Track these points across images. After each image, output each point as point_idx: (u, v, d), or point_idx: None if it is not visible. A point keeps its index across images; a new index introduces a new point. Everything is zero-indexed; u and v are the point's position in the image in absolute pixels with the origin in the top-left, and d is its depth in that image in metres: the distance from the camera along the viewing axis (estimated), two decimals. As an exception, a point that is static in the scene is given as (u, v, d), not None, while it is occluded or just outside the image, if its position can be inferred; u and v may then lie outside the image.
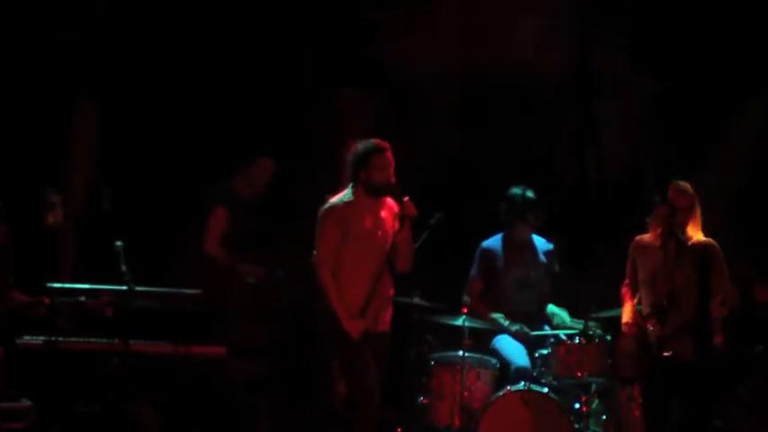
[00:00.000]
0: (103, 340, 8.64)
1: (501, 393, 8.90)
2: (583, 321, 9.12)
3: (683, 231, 8.25)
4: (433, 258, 8.86)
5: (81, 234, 10.10)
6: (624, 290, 8.55)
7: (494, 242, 9.56)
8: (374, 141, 8.22)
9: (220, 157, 10.03)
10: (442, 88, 10.59)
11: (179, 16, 10.32)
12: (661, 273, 8.20)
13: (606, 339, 9.01)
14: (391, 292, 8.37)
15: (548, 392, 8.92)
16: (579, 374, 9.03)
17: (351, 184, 8.26)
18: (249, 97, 10.46)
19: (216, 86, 10.37)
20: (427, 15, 10.55)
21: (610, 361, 8.99)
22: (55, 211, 8.91)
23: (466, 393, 9.01)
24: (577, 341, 9.04)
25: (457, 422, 8.98)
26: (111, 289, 8.63)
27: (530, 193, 9.42)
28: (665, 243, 8.23)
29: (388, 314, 8.34)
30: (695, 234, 8.27)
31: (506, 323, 9.32)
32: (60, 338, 8.60)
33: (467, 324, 9.04)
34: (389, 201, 8.31)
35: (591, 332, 9.02)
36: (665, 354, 8.11)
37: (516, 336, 9.29)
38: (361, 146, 8.23)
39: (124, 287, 8.49)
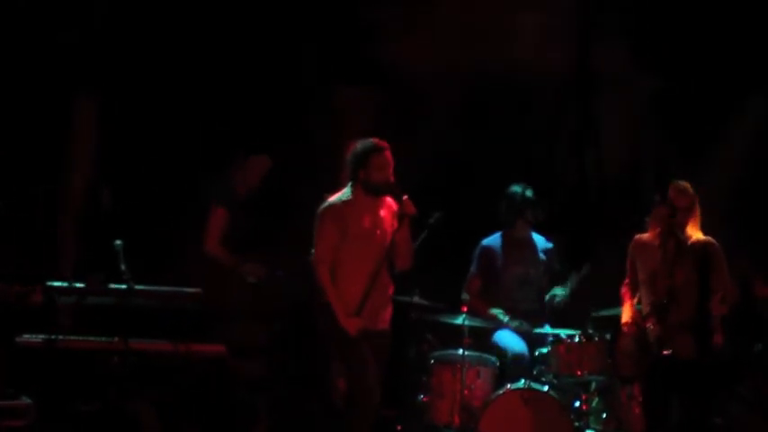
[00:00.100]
0: (103, 339, 8.62)
1: (501, 392, 8.92)
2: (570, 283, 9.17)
3: (683, 231, 8.26)
4: (432, 257, 8.86)
5: (81, 233, 10.09)
6: (624, 290, 8.55)
7: (493, 240, 9.58)
8: (373, 141, 8.23)
9: (220, 155, 10.02)
10: (441, 88, 10.59)
11: (179, 15, 10.32)
12: (661, 271, 8.21)
13: (606, 338, 9.02)
14: (391, 290, 8.38)
15: (548, 391, 8.94)
16: (579, 373, 9.06)
17: (350, 184, 8.27)
18: (249, 96, 10.46)
19: (215, 85, 10.37)
20: (427, 15, 10.55)
21: (610, 360, 9.00)
22: None
23: (466, 392, 9.03)
24: (577, 340, 9.05)
25: (457, 420, 9.00)
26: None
27: (529, 192, 9.46)
28: (665, 242, 8.25)
29: (387, 313, 8.35)
30: (694, 233, 8.27)
31: (506, 319, 9.33)
32: (60, 337, 8.58)
33: (467, 323, 9.06)
34: (389, 200, 8.32)
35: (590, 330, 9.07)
36: (665, 352, 8.11)
37: (516, 331, 9.30)
38: (359, 145, 8.24)
39: (124, 286, 8.50)
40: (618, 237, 9.01)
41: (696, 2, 10.70)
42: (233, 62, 10.46)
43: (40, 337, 8.57)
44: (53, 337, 8.55)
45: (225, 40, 10.43)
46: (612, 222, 10.52)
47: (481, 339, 9.30)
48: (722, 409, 9.19)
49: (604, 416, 9.06)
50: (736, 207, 10.39)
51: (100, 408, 8.48)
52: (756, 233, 10.33)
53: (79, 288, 8.69)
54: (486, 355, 9.22)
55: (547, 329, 9.30)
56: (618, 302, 8.60)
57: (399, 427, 9.36)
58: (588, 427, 9.01)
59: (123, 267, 8.45)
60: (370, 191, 8.21)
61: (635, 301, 8.44)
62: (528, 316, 9.39)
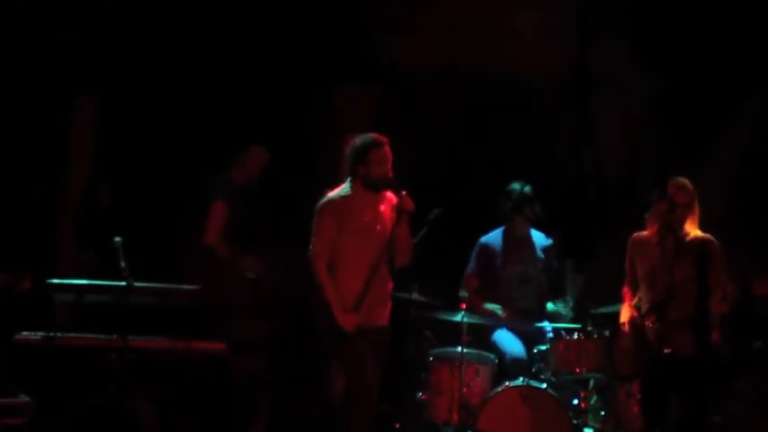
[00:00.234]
0: (102, 336, 8.62)
1: (499, 389, 8.90)
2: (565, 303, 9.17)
3: (681, 227, 8.24)
4: (431, 254, 8.85)
5: (80, 230, 10.10)
6: (625, 289, 8.52)
7: (493, 238, 9.58)
8: (372, 136, 8.24)
9: (219, 153, 10.03)
10: (441, 87, 10.60)
11: (178, 14, 10.34)
12: (660, 269, 8.19)
13: (605, 335, 9.01)
14: (390, 286, 8.38)
15: (546, 388, 8.92)
16: (578, 370, 9.04)
17: (349, 179, 8.28)
18: (248, 94, 10.47)
19: (215, 83, 10.38)
20: (427, 14, 10.56)
21: (608, 358, 8.99)
22: None
23: (464, 389, 9.01)
24: (576, 337, 9.05)
25: (455, 418, 8.98)
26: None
27: (528, 189, 9.45)
28: (663, 239, 8.22)
29: (386, 309, 8.34)
30: (693, 230, 8.26)
31: (503, 313, 9.33)
32: (59, 334, 8.58)
33: (465, 320, 9.05)
34: (389, 194, 8.31)
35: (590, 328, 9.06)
36: (666, 351, 8.10)
37: (514, 326, 9.30)
38: (358, 140, 8.25)
39: (123, 283, 8.49)
40: (616, 233, 9.00)
41: (696, 2, 10.70)
42: (233, 62, 10.48)
43: (38, 335, 8.57)
44: (52, 334, 8.55)
45: (224, 40, 10.46)
46: (611, 222, 10.52)
47: (480, 337, 9.29)
48: (721, 406, 9.18)
49: (603, 413, 9.04)
50: (736, 206, 10.38)
51: (99, 405, 8.46)
52: (756, 232, 10.33)
53: (78, 285, 8.69)
54: (485, 353, 9.21)
55: (545, 324, 9.29)
56: (616, 300, 8.58)
57: (398, 425, 9.35)
58: (586, 425, 8.99)
59: (122, 264, 8.45)
60: (370, 186, 8.21)
61: (635, 300, 8.42)
62: (527, 314, 9.38)
